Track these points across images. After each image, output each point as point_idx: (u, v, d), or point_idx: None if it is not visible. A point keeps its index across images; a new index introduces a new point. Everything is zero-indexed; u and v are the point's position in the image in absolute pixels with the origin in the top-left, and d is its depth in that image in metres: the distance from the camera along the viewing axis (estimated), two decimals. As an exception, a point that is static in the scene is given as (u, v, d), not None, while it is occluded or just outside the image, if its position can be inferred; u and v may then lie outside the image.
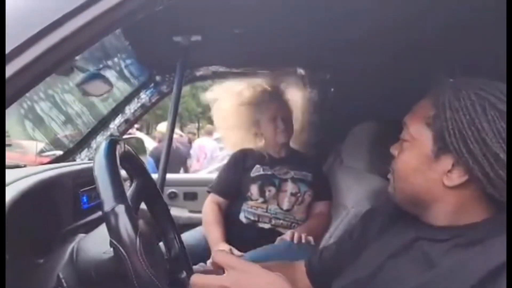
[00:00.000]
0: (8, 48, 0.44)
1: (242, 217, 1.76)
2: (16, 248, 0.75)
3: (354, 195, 1.60)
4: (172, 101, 1.49)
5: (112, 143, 0.78)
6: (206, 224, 1.75)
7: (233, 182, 1.82)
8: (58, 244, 0.88)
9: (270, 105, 1.81)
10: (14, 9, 0.52)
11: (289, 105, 1.87)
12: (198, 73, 1.94)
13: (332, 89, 2.05)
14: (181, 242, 1.01)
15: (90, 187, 1.14)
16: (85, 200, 1.11)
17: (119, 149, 0.81)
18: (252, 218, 1.74)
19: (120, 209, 0.66)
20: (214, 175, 2.01)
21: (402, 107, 1.72)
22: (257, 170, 1.80)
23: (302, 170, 1.82)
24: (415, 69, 1.72)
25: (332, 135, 2.03)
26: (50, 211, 0.93)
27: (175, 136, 1.89)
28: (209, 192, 1.85)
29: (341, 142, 1.91)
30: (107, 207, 0.66)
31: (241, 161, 1.85)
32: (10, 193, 0.77)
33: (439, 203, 0.70)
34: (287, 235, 1.59)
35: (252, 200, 1.75)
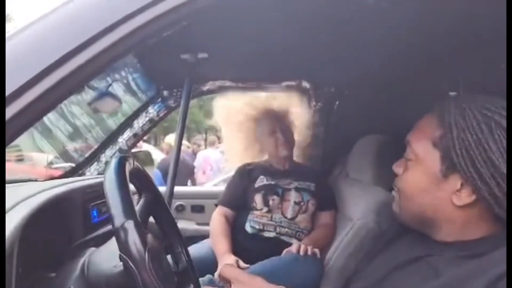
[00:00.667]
0: (37, 70, 0.47)
1: (247, 226, 1.78)
2: (29, 262, 0.77)
3: (359, 207, 1.61)
4: (180, 116, 1.53)
5: (122, 160, 0.81)
6: (213, 236, 1.77)
7: (239, 194, 1.85)
8: (69, 257, 0.90)
9: (268, 120, 1.85)
10: (46, 30, 0.55)
11: (287, 117, 1.91)
12: (205, 88, 1.98)
13: (337, 102, 2.07)
14: (188, 255, 1.03)
15: (100, 201, 1.17)
16: (95, 214, 1.14)
17: (128, 166, 0.83)
18: (257, 227, 1.76)
19: (130, 224, 0.68)
20: (221, 188, 2.04)
21: (406, 120, 1.74)
22: (261, 181, 1.84)
23: (305, 180, 1.85)
24: (420, 83, 1.74)
25: (337, 148, 2.05)
26: (62, 226, 0.96)
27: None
28: (216, 205, 1.88)
29: (346, 155, 1.93)
30: (117, 222, 0.69)
31: (246, 174, 1.89)
32: (24, 209, 0.80)
33: (447, 221, 0.71)
34: (293, 247, 1.61)
35: (257, 209, 1.78)
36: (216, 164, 6.44)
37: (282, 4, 0.79)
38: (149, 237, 0.77)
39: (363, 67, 1.68)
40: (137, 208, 0.89)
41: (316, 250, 1.60)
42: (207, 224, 1.87)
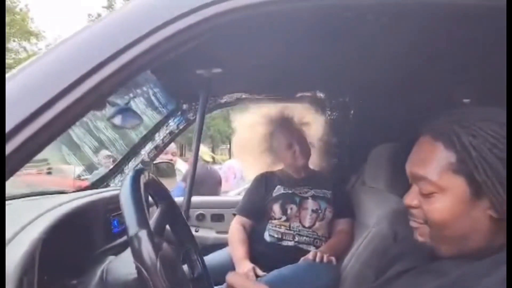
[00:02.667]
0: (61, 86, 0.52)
1: (266, 235, 1.82)
2: (53, 270, 0.84)
3: (375, 215, 1.62)
4: (196, 129, 1.58)
5: (137, 173, 0.87)
6: (231, 243, 1.82)
7: (256, 203, 1.90)
8: (90, 266, 0.96)
9: (283, 133, 1.89)
10: (68, 49, 0.60)
11: (302, 128, 1.94)
12: (222, 100, 2.04)
13: (352, 111, 2.09)
14: (203, 263, 1.07)
15: (120, 212, 1.23)
16: (115, 224, 1.20)
17: (144, 178, 0.89)
18: (275, 236, 1.80)
19: (143, 234, 0.73)
20: (238, 198, 2.08)
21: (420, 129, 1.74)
22: (278, 190, 1.88)
23: (322, 188, 1.87)
24: (434, 91, 1.75)
25: (353, 156, 2.07)
26: (84, 235, 1.02)
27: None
28: (234, 214, 1.93)
29: (362, 163, 1.94)
30: (131, 232, 0.74)
31: (263, 183, 1.93)
32: (48, 219, 0.87)
33: (486, 233, 0.70)
34: (310, 255, 1.63)
35: (275, 219, 1.82)
36: (240, 173, 6.52)
37: (294, 20, 0.82)
38: (165, 245, 0.82)
39: (377, 76, 1.70)
40: (153, 218, 0.94)
41: (332, 258, 1.62)
42: (227, 232, 1.92)
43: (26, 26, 20.10)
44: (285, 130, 1.89)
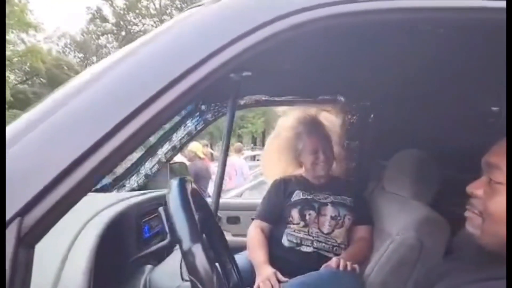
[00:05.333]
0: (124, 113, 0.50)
1: (284, 240, 1.80)
2: (99, 280, 0.82)
3: (398, 223, 1.60)
4: (225, 133, 1.57)
5: (183, 183, 0.85)
6: (252, 248, 1.80)
7: (275, 208, 1.88)
8: (128, 274, 0.94)
9: (312, 137, 1.86)
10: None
11: (330, 137, 1.91)
12: (242, 102, 2.02)
13: (372, 116, 2.08)
14: (239, 272, 1.06)
15: (151, 217, 1.21)
16: (146, 229, 1.18)
17: (189, 187, 0.87)
18: (294, 241, 1.78)
19: (197, 248, 0.72)
20: (256, 201, 2.07)
21: (443, 135, 1.73)
22: (297, 195, 1.85)
23: (341, 195, 1.85)
24: (458, 97, 1.74)
25: (372, 162, 2.05)
26: (121, 242, 1.00)
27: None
28: (253, 219, 1.91)
29: (381, 169, 1.93)
30: (185, 246, 0.72)
31: (281, 188, 1.91)
32: (97, 226, 0.85)
33: None
34: (332, 262, 1.61)
35: (293, 224, 1.80)
36: (240, 170, 6.61)
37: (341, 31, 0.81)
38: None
39: (399, 81, 1.69)
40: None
41: (356, 266, 1.60)
42: (242, 235, 1.90)
43: (25, 17, 19.90)
44: (314, 135, 1.87)
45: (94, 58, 41.85)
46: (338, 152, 2.02)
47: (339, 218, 1.80)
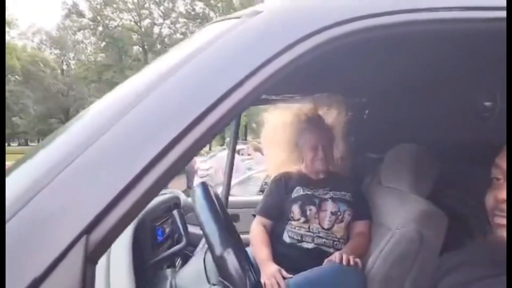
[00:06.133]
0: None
1: (285, 236, 1.83)
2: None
3: (398, 217, 1.65)
4: (232, 130, 1.57)
5: (207, 189, 0.86)
6: (254, 245, 1.82)
7: (276, 204, 1.91)
8: (149, 279, 0.96)
9: (312, 134, 1.89)
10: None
11: (330, 133, 1.95)
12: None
13: (367, 111, 2.12)
14: (256, 273, 1.08)
15: (163, 220, 1.22)
16: (160, 233, 1.19)
17: (212, 192, 0.89)
18: (295, 237, 1.81)
19: (229, 254, 0.74)
20: (255, 198, 2.09)
21: (437, 130, 1.77)
22: (297, 191, 1.88)
23: (341, 190, 1.89)
24: (453, 93, 1.79)
25: (367, 157, 2.10)
26: (140, 246, 1.01)
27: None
28: (254, 215, 1.93)
29: (377, 163, 1.97)
30: (217, 252, 0.74)
31: (282, 184, 1.94)
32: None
33: None
34: (335, 257, 1.65)
35: (294, 220, 1.83)
36: (236, 166, 6.69)
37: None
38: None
39: (396, 79, 1.73)
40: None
41: (358, 260, 1.64)
42: (242, 232, 1.92)
43: (-2, 14, 19.34)
44: (315, 131, 1.90)
45: (71, 54, 41.06)
46: (339, 148, 2.05)
47: (339, 213, 1.84)
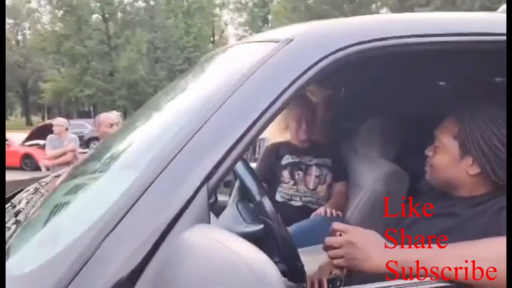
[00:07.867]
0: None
1: (278, 197, 2.21)
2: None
3: (370, 176, 2.03)
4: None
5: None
6: None
7: (269, 169, 2.27)
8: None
9: (297, 108, 2.21)
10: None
11: (314, 107, 2.27)
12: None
13: (343, 89, 2.47)
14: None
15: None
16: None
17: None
18: (286, 197, 2.19)
19: (266, 200, 1.07)
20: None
21: (406, 108, 2.13)
22: (286, 159, 2.25)
23: (323, 157, 2.26)
24: (417, 75, 2.14)
25: (345, 128, 2.45)
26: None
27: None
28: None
29: (354, 134, 2.33)
30: (258, 198, 1.07)
31: (273, 153, 2.30)
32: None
33: (463, 183, 1.10)
34: (321, 210, 2.03)
35: (285, 183, 2.20)
36: None
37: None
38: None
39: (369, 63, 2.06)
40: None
41: (339, 213, 2.03)
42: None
43: None
44: (300, 106, 2.19)
45: (26, 24, 39.09)
46: (321, 121, 2.38)
47: (322, 176, 2.21)
